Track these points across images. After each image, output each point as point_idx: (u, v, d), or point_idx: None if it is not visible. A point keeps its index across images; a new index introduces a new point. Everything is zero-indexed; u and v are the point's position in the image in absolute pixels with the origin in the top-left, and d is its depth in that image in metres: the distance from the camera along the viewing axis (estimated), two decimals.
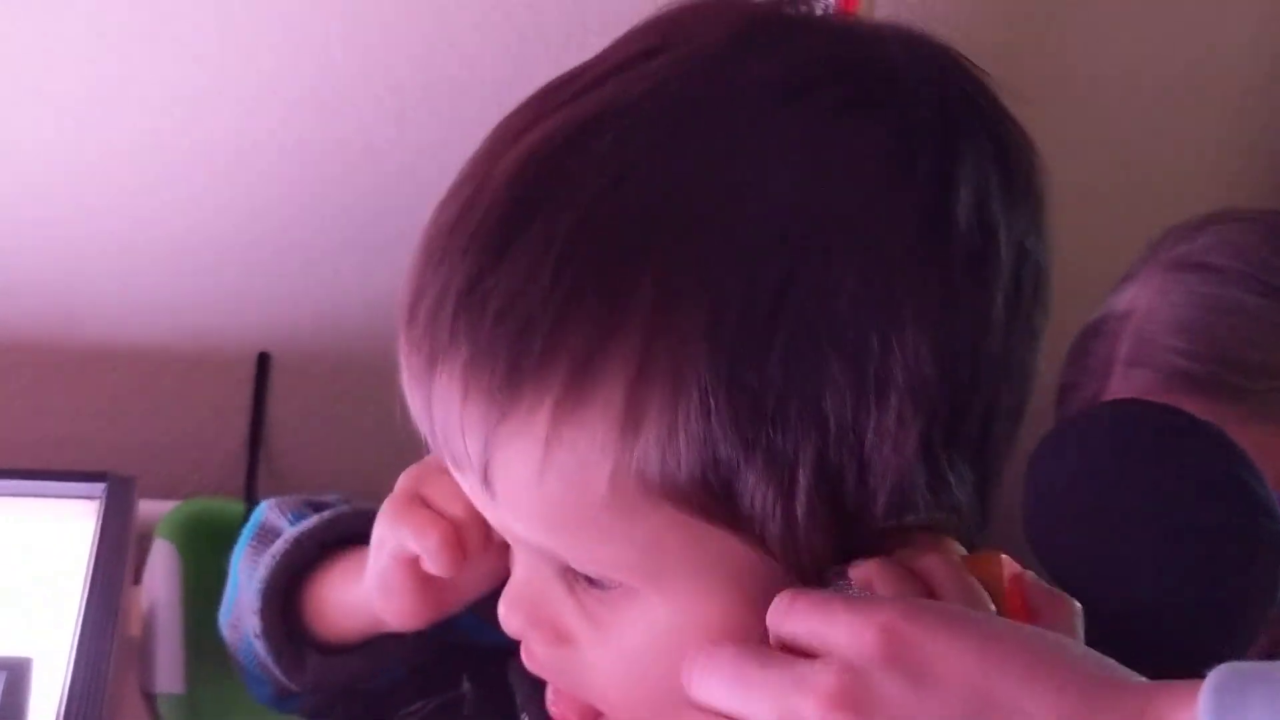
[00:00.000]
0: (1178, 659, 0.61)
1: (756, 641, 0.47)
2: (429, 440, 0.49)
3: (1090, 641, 0.55)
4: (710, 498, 0.45)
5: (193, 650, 1.00)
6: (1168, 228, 0.94)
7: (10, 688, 0.79)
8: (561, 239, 0.44)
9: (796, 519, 0.45)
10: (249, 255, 1.11)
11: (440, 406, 0.47)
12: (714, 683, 0.45)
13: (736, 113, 0.47)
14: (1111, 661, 0.44)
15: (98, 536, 0.94)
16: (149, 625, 1.01)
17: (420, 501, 0.57)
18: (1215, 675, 0.38)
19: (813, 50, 0.49)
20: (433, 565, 0.55)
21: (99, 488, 0.97)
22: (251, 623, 0.65)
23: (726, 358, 0.44)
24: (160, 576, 1.04)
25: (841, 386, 0.44)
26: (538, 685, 0.59)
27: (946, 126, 0.48)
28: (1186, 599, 0.60)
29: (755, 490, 0.45)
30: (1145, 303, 0.90)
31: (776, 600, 0.46)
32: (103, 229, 1.08)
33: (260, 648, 0.65)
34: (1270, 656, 0.89)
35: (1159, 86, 1.19)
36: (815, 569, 0.47)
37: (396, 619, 0.60)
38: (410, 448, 0.58)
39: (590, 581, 0.49)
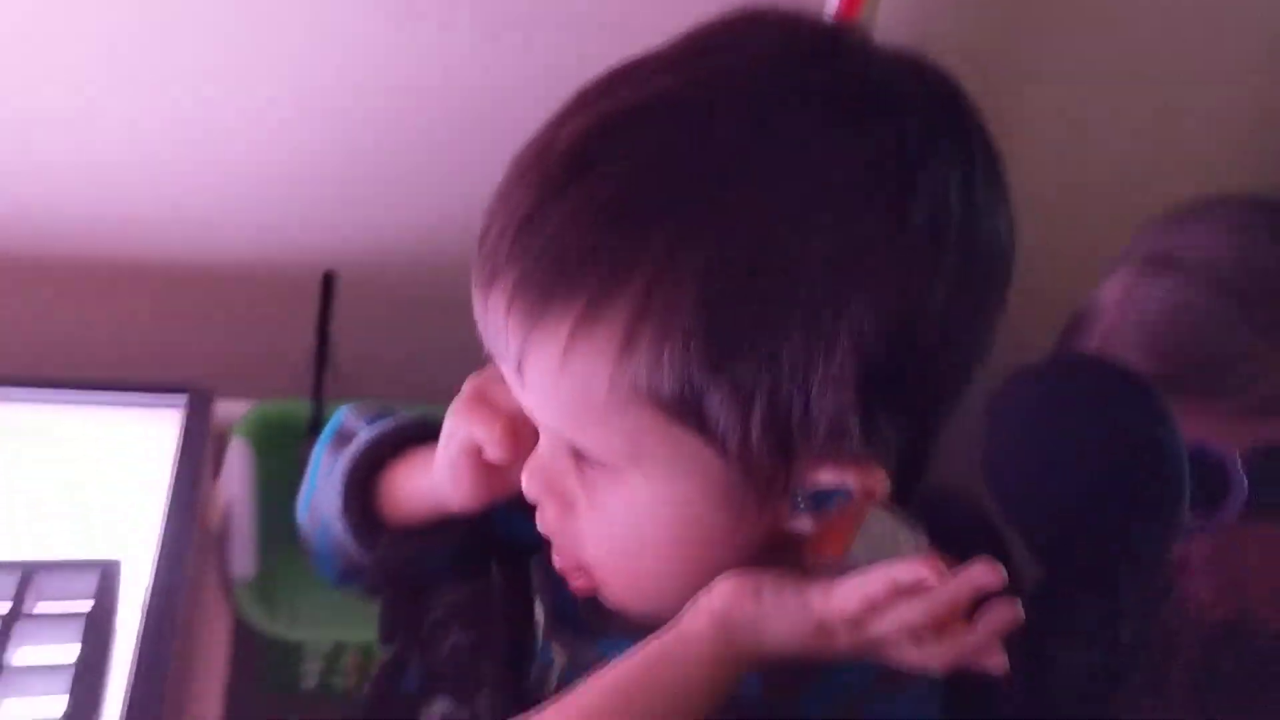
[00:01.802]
0: (1093, 574, 0.70)
1: (709, 525, 0.58)
2: (482, 334, 0.59)
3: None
4: (684, 409, 0.55)
5: (265, 538, 1.09)
6: (1156, 215, 0.97)
7: (102, 587, 0.85)
8: (603, 197, 0.54)
9: (751, 436, 0.55)
10: (315, 183, 1.16)
11: (493, 310, 0.57)
12: None
13: (757, 116, 0.55)
14: None
15: (180, 446, 0.99)
16: (225, 516, 1.09)
17: (484, 400, 0.65)
18: None
19: (828, 75, 0.57)
20: (493, 453, 0.64)
21: (181, 399, 1.03)
22: (334, 505, 0.72)
23: (707, 308, 0.53)
24: (236, 471, 1.13)
25: (796, 339, 0.53)
26: (550, 575, 0.68)
27: (923, 142, 0.56)
28: (1104, 533, 0.68)
29: (720, 409, 0.54)
30: (1114, 302, 0.93)
31: None
32: (184, 159, 1.13)
33: (339, 526, 0.72)
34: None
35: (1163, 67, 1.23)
36: (764, 478, 0.57)
37: (460, 501, 0.68)
38: (458, 357, 0.67)
39: (592, 461, 0.59)
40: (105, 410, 1.03)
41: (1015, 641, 0.72)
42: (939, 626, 0.55)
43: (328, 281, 1.20)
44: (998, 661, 0.55)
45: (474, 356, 0.62)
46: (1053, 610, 0.72)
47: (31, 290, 1.15)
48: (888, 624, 0.56)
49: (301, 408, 1.19)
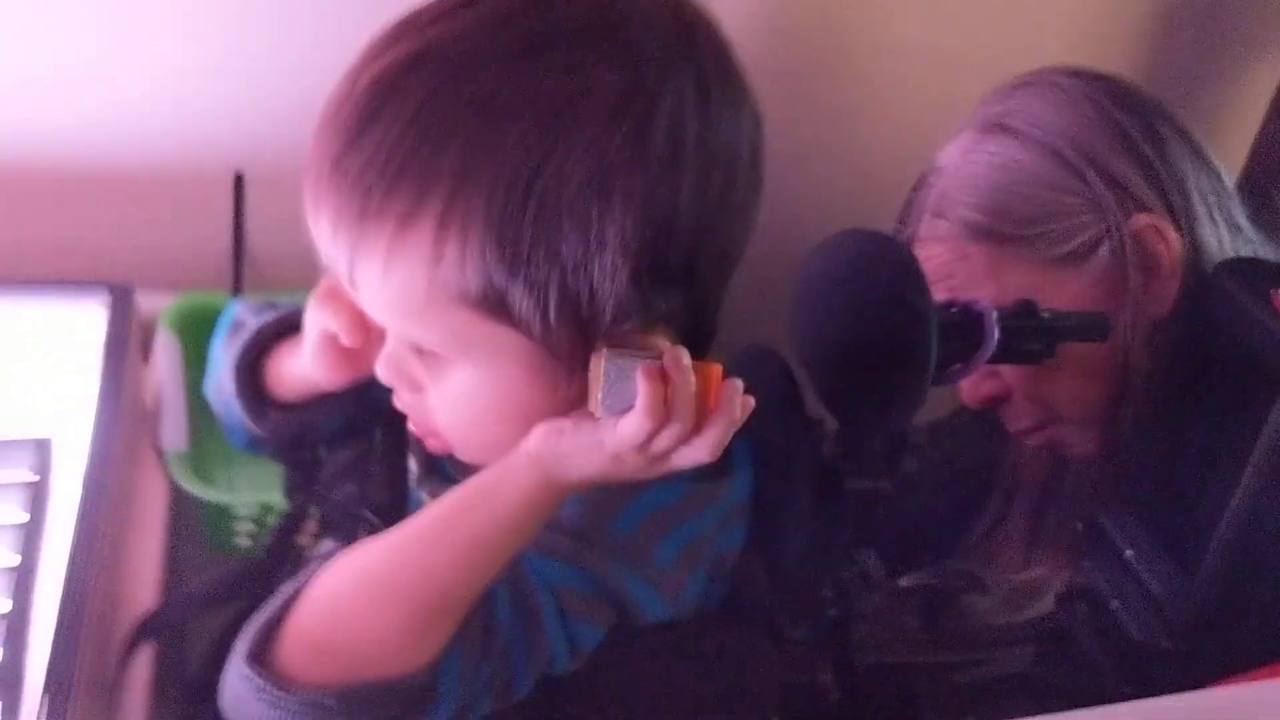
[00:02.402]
0: (866, 416, 0.82)
1: (530, 395, 0.68)
2: (318, 251, 0.66)
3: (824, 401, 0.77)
4: (492, 306, 0.64)
5: (193, 415, 1.16)
6: (996, 86, 1.06)
7: (38, 461, 0.95)
8: (395, 134, 0.62)
9: (550, 322, 0.65)
10: (224, 84, 1.19)
11: (320, 234, 0.66)
12: None
13: (515, 58, 0.63)
14: None
15: (106, 336, 1.06)
16: (157, 397, 1.17)
17: (336, 294, 0.73)
18: None
19: (575, 12, 0.64)
20: (345, 339, 0.73)
21: (103, 293, 1.09)
22: (229, 387, 0.82)
23: (496, 222, 0.62)
24: (164, 357, 1.21)
25: (573, 241, 0.63)
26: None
27: (660, 69, 0.64)
28: (867, 380, 0.81)
29: (521, 303, 0.64)
30: (953, 161, 1.03)
31: None
32: (99, 65, 1.15)
33: (236, 405, 0.82)
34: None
35: None
36: (567, 354, 0.66)
37: (326, 378, 0.78)
38: None
39: (430, 352, 0.69)
40: (36, 306, 1.09)
41: (815, 473, 0.86)
42: (698, 427, 0.65)
43: (239, 182, 1.25)
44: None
45: None
46: (844, 447, 0.85)
47: None
48: (664, 441, 0.65)
49: (221, 299, 1.20)
